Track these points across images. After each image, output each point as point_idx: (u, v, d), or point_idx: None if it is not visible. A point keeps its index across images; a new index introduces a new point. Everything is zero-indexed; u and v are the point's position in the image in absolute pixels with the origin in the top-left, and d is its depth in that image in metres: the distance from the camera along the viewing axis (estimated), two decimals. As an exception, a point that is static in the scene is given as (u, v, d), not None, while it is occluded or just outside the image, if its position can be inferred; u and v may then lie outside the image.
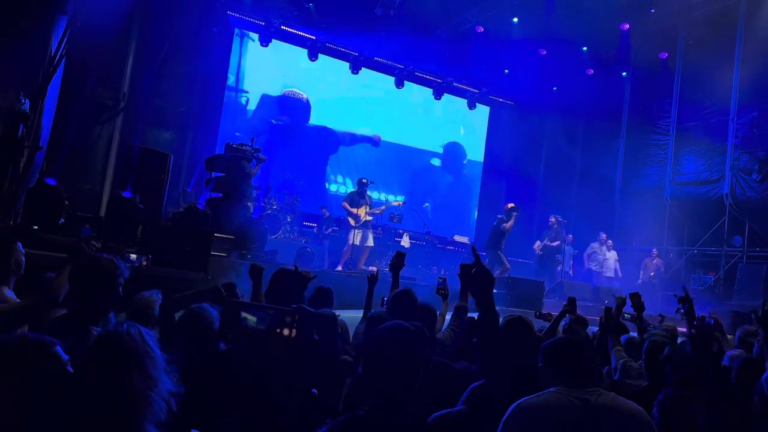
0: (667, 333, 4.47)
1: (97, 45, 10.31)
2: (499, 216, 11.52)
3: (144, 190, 7.28)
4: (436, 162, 16.56)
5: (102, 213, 10.62)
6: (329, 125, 14.85)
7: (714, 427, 2.53)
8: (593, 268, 13.55)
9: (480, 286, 2.01)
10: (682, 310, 3.67)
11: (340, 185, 14.82)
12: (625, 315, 4.67)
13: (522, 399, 2.23)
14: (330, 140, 14.63)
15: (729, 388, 2.76)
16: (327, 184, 14.74)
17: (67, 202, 7.19)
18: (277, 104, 14.20)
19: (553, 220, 12.81)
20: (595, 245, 13.73)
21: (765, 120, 12.63)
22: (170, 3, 11.75)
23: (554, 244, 12.60)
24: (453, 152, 16.91)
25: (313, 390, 1.34)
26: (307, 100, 14.50)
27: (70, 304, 2.68)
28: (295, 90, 14.33)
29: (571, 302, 4.69)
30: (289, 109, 14.26)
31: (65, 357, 1.60)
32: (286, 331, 1.35)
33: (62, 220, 6.50)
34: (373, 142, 15.03)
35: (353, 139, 14.90)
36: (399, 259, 4.37)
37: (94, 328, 2.48)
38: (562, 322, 4.63)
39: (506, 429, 2.16)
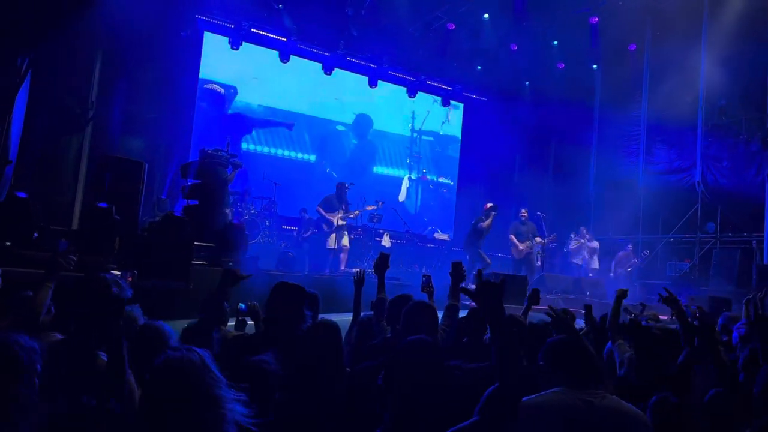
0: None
1: (64, 54, 10.09)
2: (479, 216, 11.65)
3: (119, 200, 7.11)
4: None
5: (75, 225, 10.40)
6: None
7: (718, 415, 2.56)
8: (577, 262, 13.60)
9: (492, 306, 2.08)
10: (671, 313, 3.70)
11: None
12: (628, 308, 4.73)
13: (526, 398, 2.23)
14: (244, 125, 14.42)
15: (734, 377, 2.79)
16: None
17: (39, 216, 7.01)
18: (198, 99, 13.89)
19: (524, 213, 12.70)
20: (577, 239, 13.77)
21: (733, 108, 12.91)
22: (137, 8, 11.50)
23: (542, 240, 12.54)
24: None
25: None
26: (225, 93, 14.19)
27: (72, 328, 2.50)
28: (214, 85, 14.04)
29: (534, 293, 4.71)
30: (208, 101, 13.99)
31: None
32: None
33: (35, 235, 6.32)
34: (288, 126, 14.85)
35: (267, 123, 14.69)
36: (383, 260, 4.33)
37: (101, 353, 2.36)
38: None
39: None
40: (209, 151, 8.90)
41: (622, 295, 4.20)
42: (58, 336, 2.62)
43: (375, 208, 12.30)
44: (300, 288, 3.36)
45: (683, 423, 2.52)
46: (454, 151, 17.34)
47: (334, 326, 3.21)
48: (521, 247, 12.07)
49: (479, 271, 2.19)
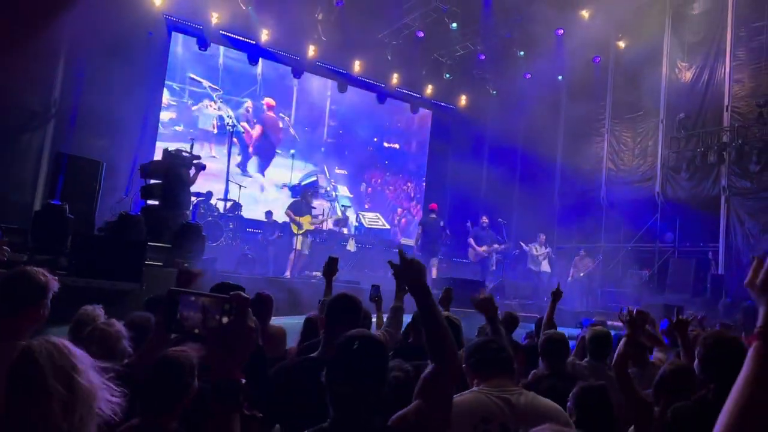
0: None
1: (25, 51, 9.92)
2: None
3: (74, 199, 7.02)
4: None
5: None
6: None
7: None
8: (532, 267, 13.82)
9: (412, 278, 2.01)
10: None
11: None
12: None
13: None
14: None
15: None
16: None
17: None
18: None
19: (484, 220, 13.16)
20: (534, 246, 13.97)
21: (690, 121, 13.27)
22: (102, 5, 11.38)
23: (501, 247, 12.87)
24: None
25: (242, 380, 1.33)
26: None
27: None
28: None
29: (447, 292, 4.77)
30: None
31: None
32: (224, 319, 1.34)
33: (-16, 232, 6.19)
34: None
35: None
36: (332, 264, 4.36)
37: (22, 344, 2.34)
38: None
39: None
40: (172, 152, 8.85)
41: (557, 296, 4.29)
42: None
43: (341, 214, 12.44)
44: (239, 288, 3.36)
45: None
46: (422, 158, 17.45)
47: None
48: (479, 250, 12.47)
49: (400, 250, 2.16)
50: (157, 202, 8.35)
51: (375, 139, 16.97)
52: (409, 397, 2.25)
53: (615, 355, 2.88)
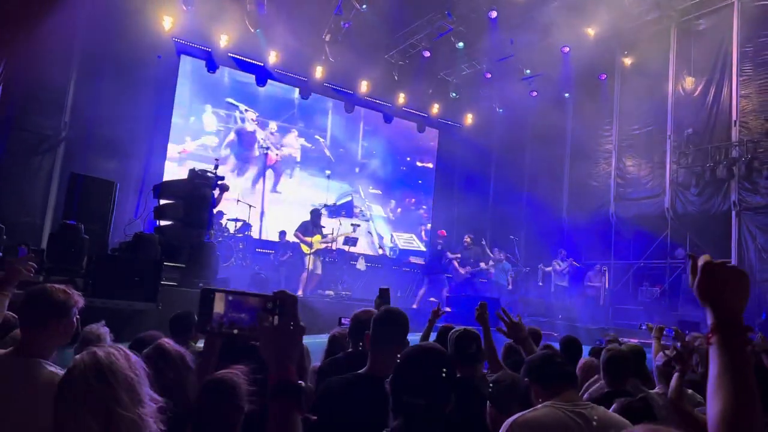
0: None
1: (36, 73, 10.01)
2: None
3: (89, 219, 7.01)
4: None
5: (43, 246, 10.20)
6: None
7: None
8: (562, 284, 13.64)
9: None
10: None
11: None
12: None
13: (517, 415, 2.22)
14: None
15: None
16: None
17: (5, 237, 6.88)
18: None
19: (467, 240, 13.27)
20: (556, 261, 13.84)
21: (698, 136, 13.27)
22: (113, 29, 11.51)
23: (486, 266, 12.99)
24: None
25: (300, 382, 1.30)
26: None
27: (21, 339, 2.38)
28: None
29: (482, 307, 4.55)
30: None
31: None
32: (268, 320, 1.30)
33: (0, 254, 6.18)
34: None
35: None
36: (384, 295, 4.34)
37: (45, 363, 2.30)
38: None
39: None
40: (198, 172, 8.78)
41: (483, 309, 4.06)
42: None
43: (351, 232, 12.43)
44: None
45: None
46: (430, 177, 17.50)
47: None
48: (461, 272, 12.81)
49: (503, 309, 2.54)
50: (170, 222, 8.32)
51: (408, 159, 17.12)
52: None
53: (670, 391, 2.88)
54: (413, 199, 17.15)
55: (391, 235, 16.19)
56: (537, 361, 2.45)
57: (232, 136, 14.28)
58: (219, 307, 1.33)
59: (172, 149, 13.34)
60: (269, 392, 1.26)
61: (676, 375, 2.88)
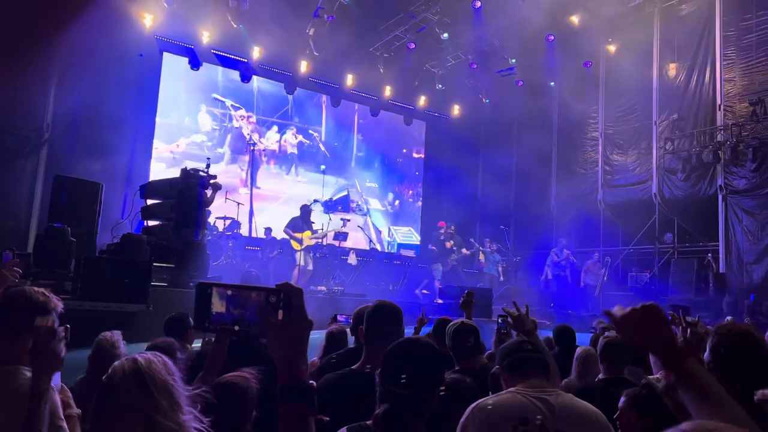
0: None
1: (17, 74, 9.84)
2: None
3: (75, 221, 6.92)
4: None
5: (29, 250, 10.06)
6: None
7: None
8: (561, 274, 13.58)
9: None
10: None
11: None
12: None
13: (480, 399, 2.25)
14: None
15: None
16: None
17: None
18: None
19: (450, 229, 13.43)
20: (554, 252, 13.78)
21: (684, 122, 13.35)
22: (93, 28, 11.33)
23: (467, 251, 13.06)
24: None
25: (311, 382, 1.26)
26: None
27: None
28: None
29: (468, 296, 4.55)
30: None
31: None
32: (273, 316, 1.22)
33: (-15, 259, 6.07)
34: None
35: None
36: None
37: (24, 369, 2.24)
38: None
39: (464, 430, 2.17)
40: (190, 171, 8.66)
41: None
42: None
43: (341, 228, 12.41)
44: None
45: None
46: (418, 169, 17.48)
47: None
48: (448, 260, 12.97)
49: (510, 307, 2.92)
50: (158, 222, 8.23)
51: (404, 150, 17.12)
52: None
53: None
54: (410, 191, 17.16)
55: (389, 229, 16.19)
56: (507, 349, 2.47)
57: (224, 134, 14.22)
58: (217, 302, 1.27)
59: (165, 149, 13.18)
60: (280, 393, 1.21)
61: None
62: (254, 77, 14.45)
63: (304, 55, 14.28)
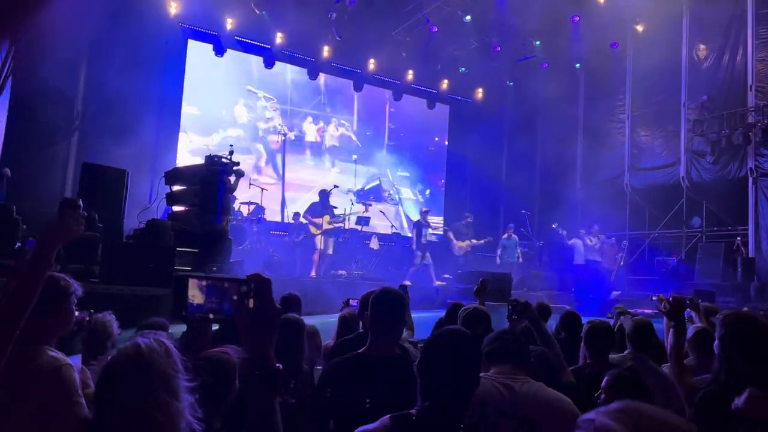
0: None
1: (47, 62, 10.09)
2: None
3: (102, 207, 7.12)
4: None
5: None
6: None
7: None
8: (594, 259, 13.35)
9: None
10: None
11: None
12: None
13: None
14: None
15: None
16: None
17: (24, 227, 7.01)
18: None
19: (468, 218, 13.40)
20: (588, 237, 13.55)
21: (714, 103, 13.03)
22: (120, 16, 11.54)
23: (481, 242, 13.01)
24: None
25: (278, 364, 1.33)
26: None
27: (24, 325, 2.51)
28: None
29: (483, 284, 4.63)
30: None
31: None
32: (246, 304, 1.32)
33: (18, 244, 6.32)
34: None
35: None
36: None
37: (47, 348, 2.37)
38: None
39: None
40: (214, 158, 8.79)
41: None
42: None
43: (362, 213, 12.50)
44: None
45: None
46: (432, 153, 17.42)
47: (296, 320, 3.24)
48: (460, 245, 13.00)
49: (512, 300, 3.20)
50: (183, 208, 8.41)
51: (436, 139, 17.14)
52: None
53: (669, 348, 2.87)
54: (442, 180, 17.19)
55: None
56: (490, 338, 2.55)
57: (258, 125, 14.49)
58: (195, 292, 1.36)
59: (200, 142, 13.38)
60: (248, 375, 1.30)
61: (672, 332, 2.88)
62: (288, 68, 14.67)
63: (326, 40, 14.30)
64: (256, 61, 14.31)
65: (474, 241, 13.05)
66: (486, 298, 4.60)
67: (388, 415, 1.81)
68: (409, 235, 14.73)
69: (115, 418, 1.51)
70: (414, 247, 12.38)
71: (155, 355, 1.58)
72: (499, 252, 13.28)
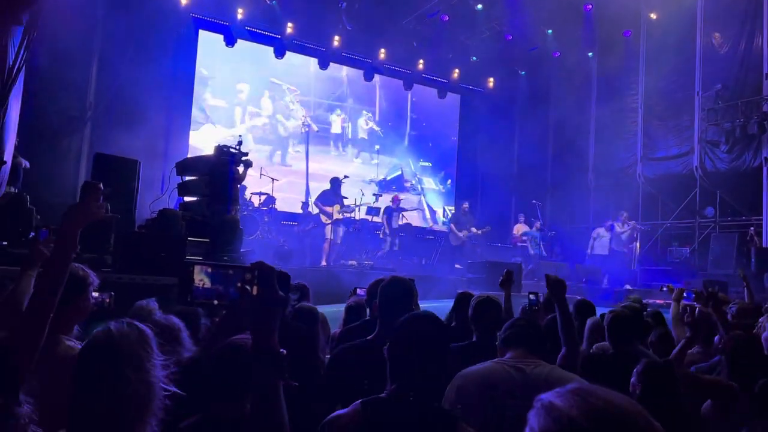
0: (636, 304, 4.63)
1: (59, 53, 10.16)
2: None
3: (115, 197, 7.17)
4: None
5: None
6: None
7: None
8: (623, 250, 13.25)
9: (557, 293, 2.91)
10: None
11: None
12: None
13: (465, 369, 2.41)
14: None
15: None
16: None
17: (38, 217, 7.09)
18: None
19: (465, 207, 13.63)
20: (617, 224, 13.41)
21: (728, 92, 12.86)
22: (131, 7, 11.58)
23: (477, 230, 13.02)
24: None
25: (282, 350, 1.36)
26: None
27: None
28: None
29: (508, 275, 4.63)
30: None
31: None
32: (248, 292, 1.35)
33: (32, 234, 6.39)
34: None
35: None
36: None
37: (64, 338, 2.42)
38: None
39: (446, 395, 2.30)
40: (223, 148, 8.81)
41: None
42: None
43: (373, 202, 12.51)
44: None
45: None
46: (453, 143, 17.37)
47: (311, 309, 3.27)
48: (459, 235, 13.03)
49: (547, 275, 3.12)
50: (193, 198, 8.46)
51: (458, 128, 17.19)
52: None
53: (679, 347, 3.04)
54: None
55: (444, 209, 16.38)
56: (507, 325, 2.61)
57: (282, 117, 14.62)
58: (205, 279, 1.39)
59: (226, 134, 13.39)
60: (253, 360, 1.33)
61: (682, 342, 2.99)
62: (311, 60, 14.79)
63: (336, 29, 14.27)
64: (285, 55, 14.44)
65: (474, 230, 13.03)
66: (497, 288, 4.63)
67: (359, 400, 1.84)
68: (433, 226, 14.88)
69: (89, 399, 1.54)
70: (385, 232, 12.61)
71: (125, 338, 1.59)
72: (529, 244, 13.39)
